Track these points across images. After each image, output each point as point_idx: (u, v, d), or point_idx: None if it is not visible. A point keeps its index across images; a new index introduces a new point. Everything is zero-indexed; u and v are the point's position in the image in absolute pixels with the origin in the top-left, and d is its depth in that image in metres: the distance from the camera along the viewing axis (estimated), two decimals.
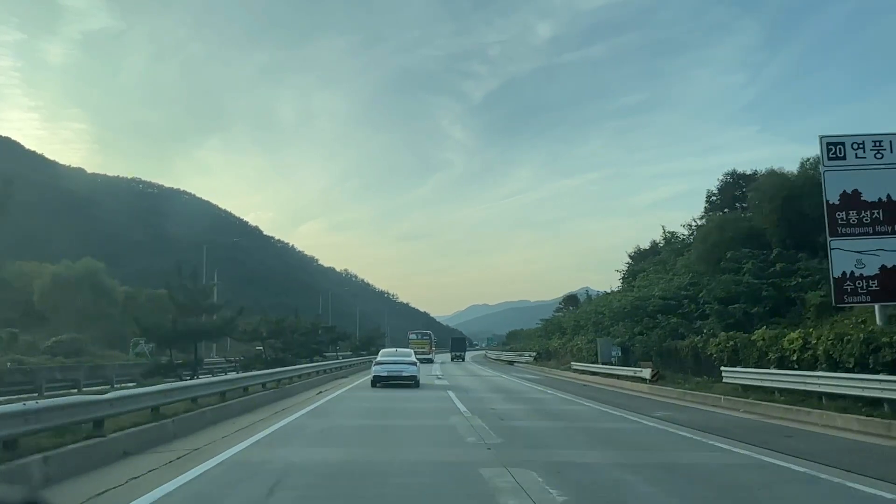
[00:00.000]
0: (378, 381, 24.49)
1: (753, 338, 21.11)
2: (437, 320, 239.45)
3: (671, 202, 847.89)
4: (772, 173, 29.38)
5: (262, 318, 32.37)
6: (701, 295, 27.86)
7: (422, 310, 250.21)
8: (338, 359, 44.28)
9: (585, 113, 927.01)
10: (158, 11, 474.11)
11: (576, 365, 38.71)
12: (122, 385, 21.73)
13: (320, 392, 21.92)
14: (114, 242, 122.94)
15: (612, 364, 31.31)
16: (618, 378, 29.47)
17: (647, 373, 26.04)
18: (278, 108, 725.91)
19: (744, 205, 44.68)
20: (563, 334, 53.76)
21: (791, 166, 43.05)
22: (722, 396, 19.17)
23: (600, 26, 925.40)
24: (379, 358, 26.41)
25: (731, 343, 22.72)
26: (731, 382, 20.19)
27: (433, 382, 30.28)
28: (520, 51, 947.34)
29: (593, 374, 33.53)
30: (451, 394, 21.85)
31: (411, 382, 24.89)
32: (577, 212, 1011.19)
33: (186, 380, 17.51)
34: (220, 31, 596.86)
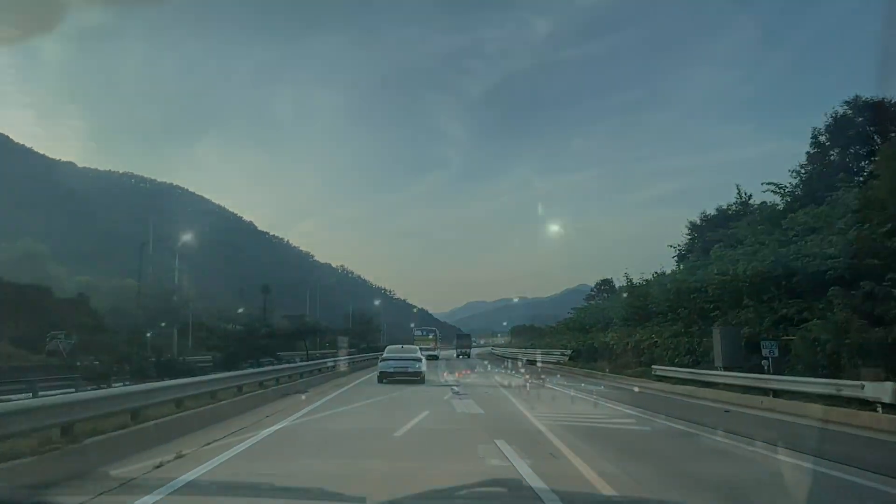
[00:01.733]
0: (385, 377, 25.65)
1: None
2: (435, 317, 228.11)
3: (669, 199, 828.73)
4: None
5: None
6: None
7: (420, 306, 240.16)
8: (298, 361, 31.35)
9: (583, 110, 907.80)
10: (155, 7, 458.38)
11: (660, 370, 25.88)
12: None
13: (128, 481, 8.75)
14: (105, 237, 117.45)
15: (763, 371, 18.17)
16: (774, 394, 16.65)
17: (882, 390, 13.13)
18: (275, 104, 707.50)
19: (862, 149, 32.58)
20: (608, 326, 41.01)
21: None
22: None
23: (598, 22, 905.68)
24: (385, 354, 27.46)
25: None
26: None
27: (453, 406, 17.00)
28: (517, 47, 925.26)
29: (707, 384, 20.64)
30: (530, 479, 8.67)
31: (417, 378, 25.58)
32: (576, 209, 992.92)
33: None
34: (217, 27, 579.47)
